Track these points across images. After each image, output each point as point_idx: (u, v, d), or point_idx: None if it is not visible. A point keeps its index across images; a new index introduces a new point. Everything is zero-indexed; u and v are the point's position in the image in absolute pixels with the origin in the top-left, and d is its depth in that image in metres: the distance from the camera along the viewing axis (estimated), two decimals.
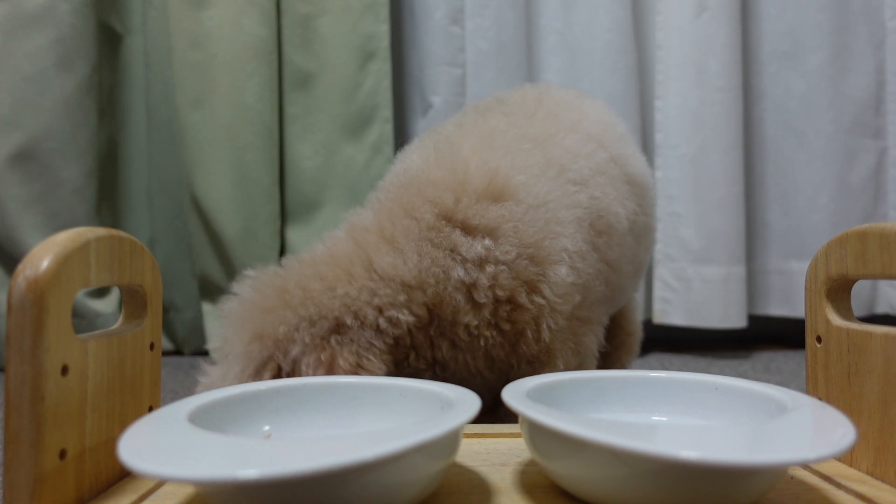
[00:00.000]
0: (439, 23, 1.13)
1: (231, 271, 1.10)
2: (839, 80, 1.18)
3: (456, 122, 0.59)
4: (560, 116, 0.62)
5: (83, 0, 1.05)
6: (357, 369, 0.44)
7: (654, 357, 1.12)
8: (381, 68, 1.11)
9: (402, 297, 0.46)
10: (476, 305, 0.47)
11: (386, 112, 1.12)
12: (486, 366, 0.50)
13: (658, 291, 1.19)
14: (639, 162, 0.66)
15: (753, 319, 1.21)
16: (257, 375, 0.43)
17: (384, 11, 1.11)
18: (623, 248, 0.58)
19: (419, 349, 0.48)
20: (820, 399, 0.37)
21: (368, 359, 0.44)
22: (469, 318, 0.47)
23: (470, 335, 0.48)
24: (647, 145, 1.21)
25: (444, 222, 0.47)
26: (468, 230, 0.47)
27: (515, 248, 0.46)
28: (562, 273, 0.48)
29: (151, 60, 1.16)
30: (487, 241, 0.46)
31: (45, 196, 1.04)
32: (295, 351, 0.43)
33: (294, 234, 1.14)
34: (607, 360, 0.74)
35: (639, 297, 0.79)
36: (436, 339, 0.48)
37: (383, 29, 1.11)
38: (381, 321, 0.45)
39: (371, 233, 0.48)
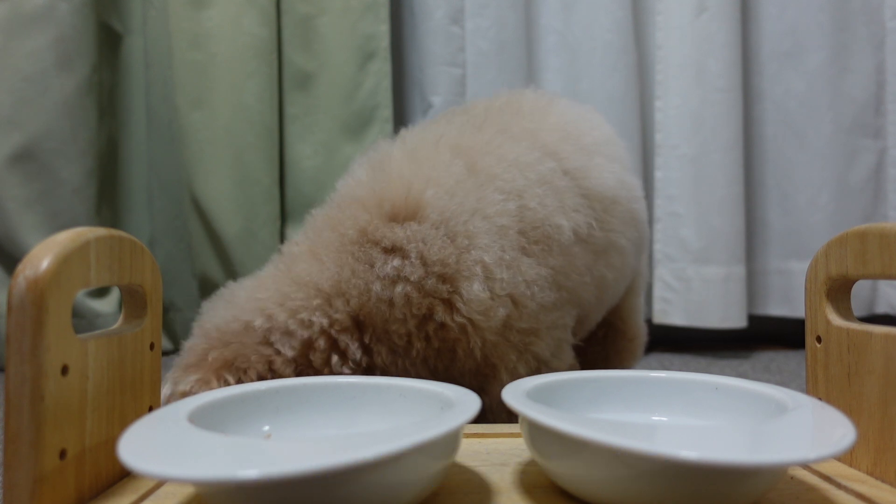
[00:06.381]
0: (439, 23, 1.12)
1: (231, 271, 1.10)
2: (839, 80, 1.18)
3: (401, 135, 0.59)
4: (509, 125, 0.58)
5: (83, 0, 1.05)
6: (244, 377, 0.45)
7: (654, 357, 1.12)
8: (381, 68, 1.11)
9: (315, 301, 0.47)
10: (398, 319, 0.48)
11: (386, 112, 1.12)
12: (429, 375, 0.50)
13: (658, 291, 1.19)
14: (604, 175, 0.59)
15: (753, 319, 1.21)
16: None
17: (384, 11, 1.11)
18: (571, 258, 0.53)
19: (345, 353, 0.48)
20: (820, 399, 0.37)
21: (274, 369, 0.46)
22: (397, 327, 0.48)
23: (403, 341, 0.48)
24: (647, 145, 1.21)
25: (365, 238, 0.48)
26: (383, 250, 0.47)
27: (420, 267, 0.46)
28: (475, 289, 0.46)
29: (151, 60, 1.16)
30: (396, 262, 0.47)
31: (45, 196, 1.04)
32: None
33: (294, 235, 1.13)
34: (608, 365, 0.74)
35: (641, 301, 0.79)
36: (374, 345, 0.48)
37: (383, 29, 1.11)
38: (291, 322, 0.46)
39: (299, 245, 0.50)
